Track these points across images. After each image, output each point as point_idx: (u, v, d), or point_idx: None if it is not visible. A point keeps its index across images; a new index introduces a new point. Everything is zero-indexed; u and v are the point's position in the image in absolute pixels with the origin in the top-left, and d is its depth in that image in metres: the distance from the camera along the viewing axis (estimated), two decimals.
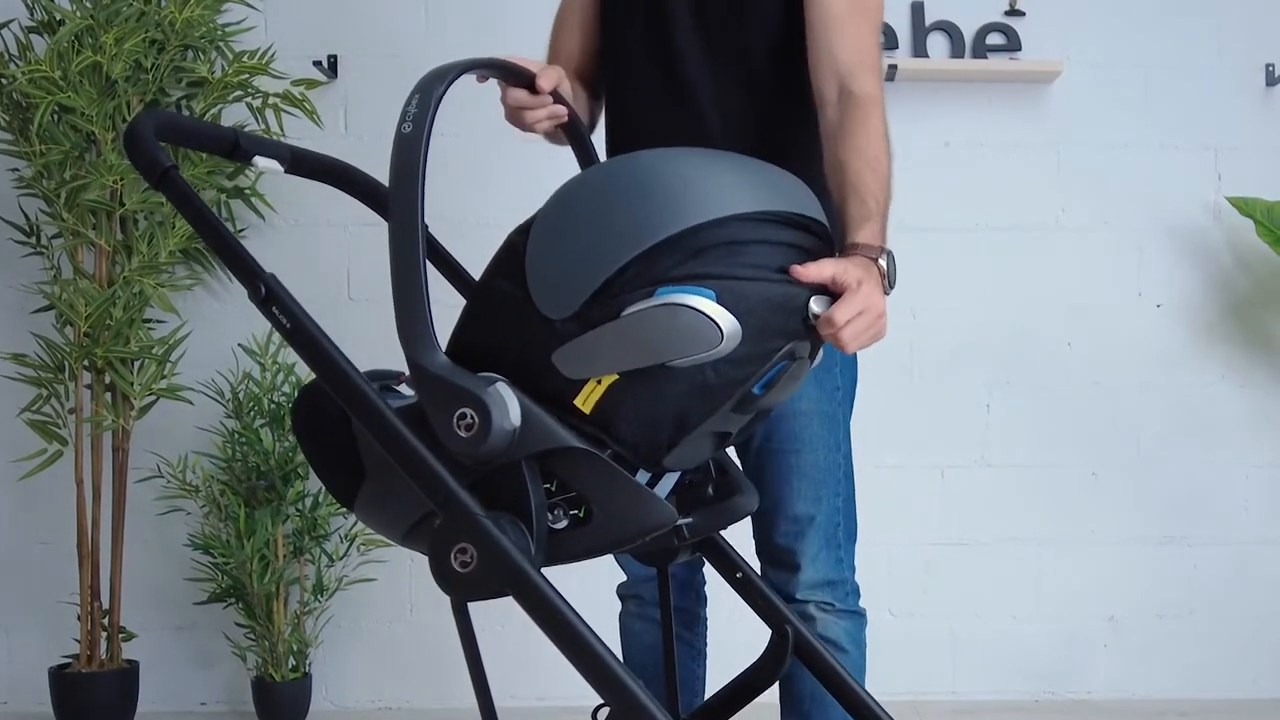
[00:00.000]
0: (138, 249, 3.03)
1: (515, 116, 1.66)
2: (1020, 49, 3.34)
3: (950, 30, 3.34)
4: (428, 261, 1.32)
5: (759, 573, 1.74)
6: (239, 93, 3.13)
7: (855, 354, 1.74)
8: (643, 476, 1.40)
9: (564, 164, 1.74)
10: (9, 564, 3.38)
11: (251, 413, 3.09)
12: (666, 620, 1.75)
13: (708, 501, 1.56)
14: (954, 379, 3.39)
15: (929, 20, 3.34)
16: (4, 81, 2.99)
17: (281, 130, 3.17)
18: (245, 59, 3.09)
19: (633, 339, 1.28)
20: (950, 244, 3.36)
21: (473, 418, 1.27)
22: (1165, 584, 3.38)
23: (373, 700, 3.38)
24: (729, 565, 1.66)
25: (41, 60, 2.92)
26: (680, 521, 1.49)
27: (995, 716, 3.24)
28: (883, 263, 1.48)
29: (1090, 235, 3.39)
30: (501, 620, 1.78)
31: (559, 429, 1.30)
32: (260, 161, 1.53)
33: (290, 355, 3.11)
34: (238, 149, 1.51)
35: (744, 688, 1.65)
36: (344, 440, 1.42)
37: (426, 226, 1.33)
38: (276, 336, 3.08)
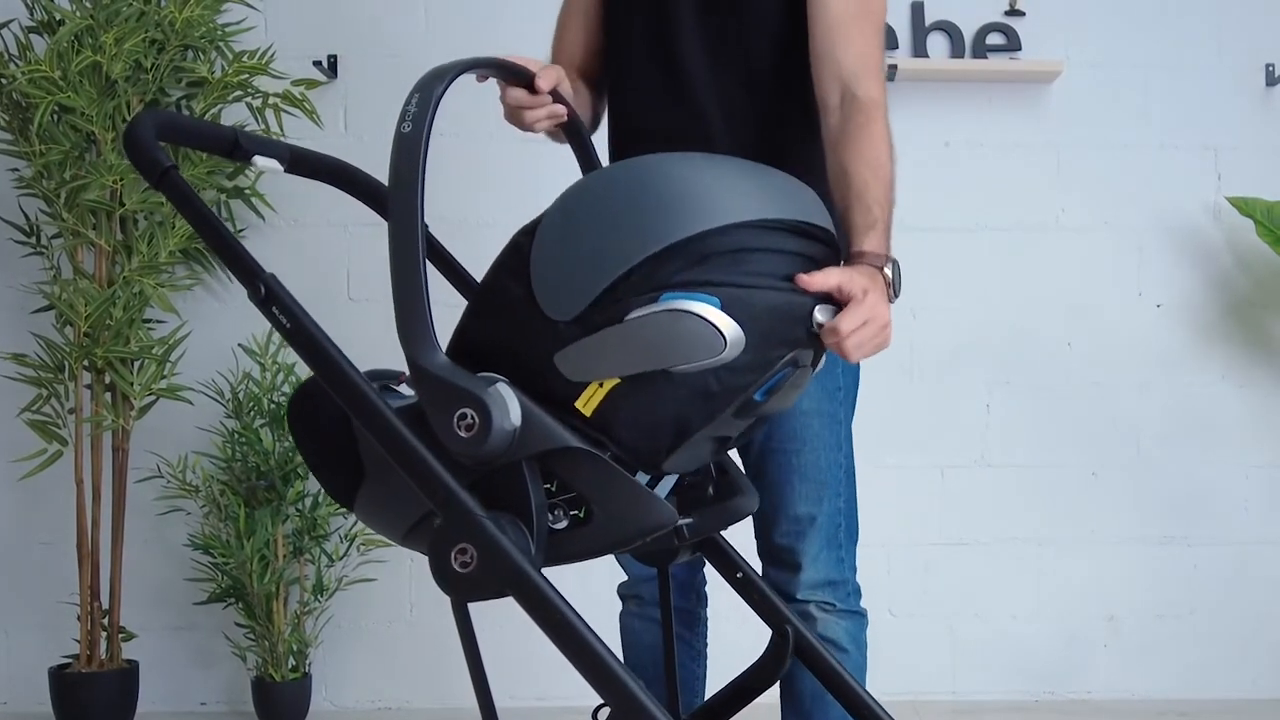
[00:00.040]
0: (138, 249, 3.03)
1: (514, 116, 1.66)
2: (1020, 49, 3.33)
3: (950, 30, 3.34)
4: (428, 261, 1.31)
5: (760, 573, 1.73)
6: (239, 93, 3.12)
7: None
8: (642, 477, 1.39)
9: (564, 164, 1.75)
10: (9, 564, 3.37)
11: (251, 413, 3.09)
12: (667, 620, 1.74)
13: (708, 502, 1.56)
14: (954, 379, 3.38)
15: (929, 20, 3.34)
16: (4, 81, 2.99)
17: (281, 130, 3.17)
18: (245, 59, 3.09)
19: (636, 343, 1.28)
20: (950, 244, 3.36)
21: (473, 418, 1.27)
22: (1165, 584, 3.38)
23: (372, 700, 3.38)
24: (729, 565, 1.66)
25: (41, 60, 2.91)
26: (680, 522, 1.48)
27: (995, 716, 3.23)
28: (888, 271, 1.48)
29: (1090, 235, 3.39)
30: (501, 620, 1.77)
31: (560, 429, 1.29)
32: (260, 161, 1.53)
33: (290, 355, 3.11)
34: (237, 149, 1.51)
35: (744, 688, 1.65)
36: (344, 440, 1.42)
37: (426, 226, 1.33)
38: (276, 336, 3.08)
